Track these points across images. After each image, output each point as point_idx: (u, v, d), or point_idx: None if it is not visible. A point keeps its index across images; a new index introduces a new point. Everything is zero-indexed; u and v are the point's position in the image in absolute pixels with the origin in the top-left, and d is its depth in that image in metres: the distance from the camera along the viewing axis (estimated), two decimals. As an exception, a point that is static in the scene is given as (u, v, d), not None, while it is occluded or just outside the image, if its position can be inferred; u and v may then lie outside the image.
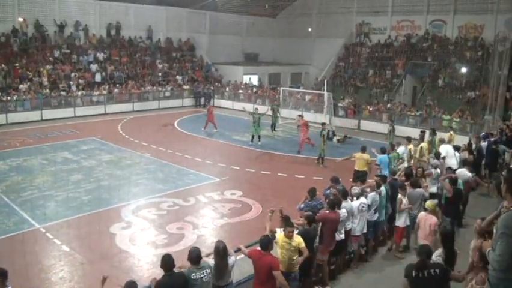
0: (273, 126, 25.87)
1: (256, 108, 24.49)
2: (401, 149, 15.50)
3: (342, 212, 9.09)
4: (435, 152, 14.71)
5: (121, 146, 21.54)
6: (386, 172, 13.33)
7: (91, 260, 10.56)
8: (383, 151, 14.53)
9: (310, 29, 43.36)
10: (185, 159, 19.56)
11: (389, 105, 29.04)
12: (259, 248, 7.15)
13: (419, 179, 11.38)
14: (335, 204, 9.00)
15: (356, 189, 10.19)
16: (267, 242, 7.12)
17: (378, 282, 9.56)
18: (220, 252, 6.81)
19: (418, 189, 10.73)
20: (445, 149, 14.90)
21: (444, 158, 14.31)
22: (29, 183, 15.74)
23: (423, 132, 17.90)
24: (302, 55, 42.70)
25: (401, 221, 10.38)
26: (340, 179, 10.96)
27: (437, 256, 7.14)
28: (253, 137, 22.78)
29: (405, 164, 14.55)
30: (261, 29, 44.74)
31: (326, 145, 19.49)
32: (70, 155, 19.73)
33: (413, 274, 6.22)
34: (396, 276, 9.65)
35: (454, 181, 11.30)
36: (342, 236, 9.24)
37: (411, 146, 15.85)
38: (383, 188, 10.50)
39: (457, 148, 15.21)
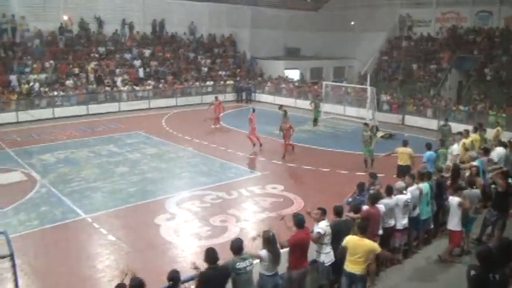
0: (315, 120, 25.67)
1: (281, 105, 24.21)
2: (454, 148, 14.99)
3: (381, 207, 8.97)
4: (484, 147, 14.21)
5: (164, 139, 21.88)
6: (431, 169, 12.98)
7: (136, 249, 10.81)
8: (428, 147, 14.17)
9: (352, 23, 42.63)
10: (227, 153, 19.67)
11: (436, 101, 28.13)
12: (297, 230, 7.58)
13: (475, 178, 10.87)
14: (376, 199, 8.95)
15: (401, 184, 9.96)
16: (303, 220, 7.60)
17: (423, 282, 9.34)
18: (272, 239, 7.07)
19: (475, 190, 10.30)
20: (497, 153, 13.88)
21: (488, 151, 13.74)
22: (75, 175, 16.23)
23: (475, 128, 17.34)
24: (344, 49, 41.80)
25: (452, 224, 9.69)
26: (378, 175, 10.81)
27: None
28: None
29: (449, 162, 14.11)
30: (302, 23, 44.22)
31: (372, 146, 17.25)
32: (115, 148, 20.21)
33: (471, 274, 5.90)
34: (440, 277, 9.46)
35: (506, 175, 10.92)
36: (380, 231, 9.10)
37: (465, 140, 15.27)
38: (426, 185, 10.19)
39: (504, 145, 14.65)
